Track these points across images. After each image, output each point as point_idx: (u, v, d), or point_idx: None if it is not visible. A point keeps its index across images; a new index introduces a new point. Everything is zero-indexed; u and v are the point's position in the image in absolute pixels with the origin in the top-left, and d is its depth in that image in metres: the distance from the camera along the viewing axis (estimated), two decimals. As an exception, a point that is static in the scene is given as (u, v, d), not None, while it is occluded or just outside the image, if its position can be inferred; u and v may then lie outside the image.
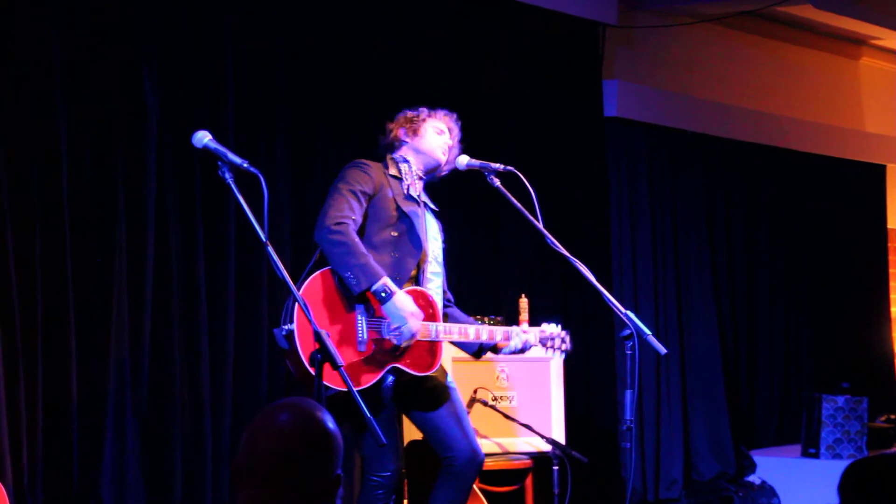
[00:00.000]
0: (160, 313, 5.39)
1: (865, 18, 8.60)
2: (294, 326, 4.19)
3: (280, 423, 2.39)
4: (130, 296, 5.28)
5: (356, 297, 4.44)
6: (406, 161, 4.74)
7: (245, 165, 3.76)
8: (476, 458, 4.61)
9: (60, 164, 5.07)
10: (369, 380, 4.45)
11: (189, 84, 5.55)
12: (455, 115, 4.86)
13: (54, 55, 5.08)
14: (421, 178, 4.75)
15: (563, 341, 4.83)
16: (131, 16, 5.35)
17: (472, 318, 4.85)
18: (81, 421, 5.11)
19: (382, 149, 4.82)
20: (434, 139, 4.76)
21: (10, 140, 4.95)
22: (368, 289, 4.39)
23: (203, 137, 3.89)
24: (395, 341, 4.45)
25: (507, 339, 4.70)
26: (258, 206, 3.69)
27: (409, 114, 4.82)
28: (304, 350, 4.23)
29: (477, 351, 4.77)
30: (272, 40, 5.89)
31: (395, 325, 4.43)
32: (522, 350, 4.76)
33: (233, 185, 3.77)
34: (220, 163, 3.81)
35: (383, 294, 4.39)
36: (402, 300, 4.44)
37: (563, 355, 4.88)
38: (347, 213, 4.49)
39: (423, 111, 4.81)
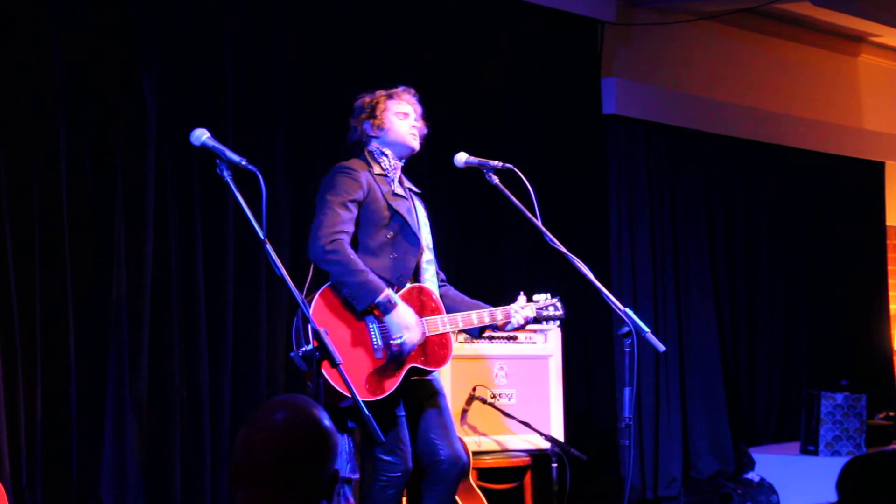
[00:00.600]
0: (159, 312, 5.39)
1: (864, 15, 8.60)
2: (312, 347, 4.19)
3: (276, 422, 2.39)
4: (129, 295, 5.28)
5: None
6: (384, 154, 4.74)
7: (243, 163, 3.76)
8: (458, 463, 4.65)
9: (60, 164, 5.07)
10: (392, 384, 4.53)
11: (189, 84, 5.55)
12: (413, 91, 4.84)
13: (54, 55, 5.08)
14: (401, 167, 4.77)
15: (556, 308, 4.91)
16: (131, 16, 5.35)
17: (465, 296, 4.90)
18: (80, 421, 5.12)
19: (352, 146, 4.81)
20: (401, 127, 4.74)
21: (10, 140, 4.95)
22: (371, 304, 4.44)
23: (201, 135, 3.88)
24: (394, 350, 4.50)
25: (508, 318, 4.75)
26: (257, 205, 3.68)
27: (367, 99, 4.77)
28: (326, 371, 4.27)
29: (480, 331, 4.85)
30: (272, 40, 5.89)
31: (395, 336, 4.48)
32: (523, 326, 4.84)
33: (231, 183, 3.77)
34: (218, 161, 3.81)
35: (387, 305, 4.46)
36: (403, 313, 4.50)
37: (558, 322, 4.98)
38: (340, 227, 4.51)
39: (380, 95, 4.78)
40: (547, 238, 4.61)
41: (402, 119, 4.75)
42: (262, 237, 3.69)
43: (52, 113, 5.06)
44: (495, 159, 4.84)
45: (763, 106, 8.70)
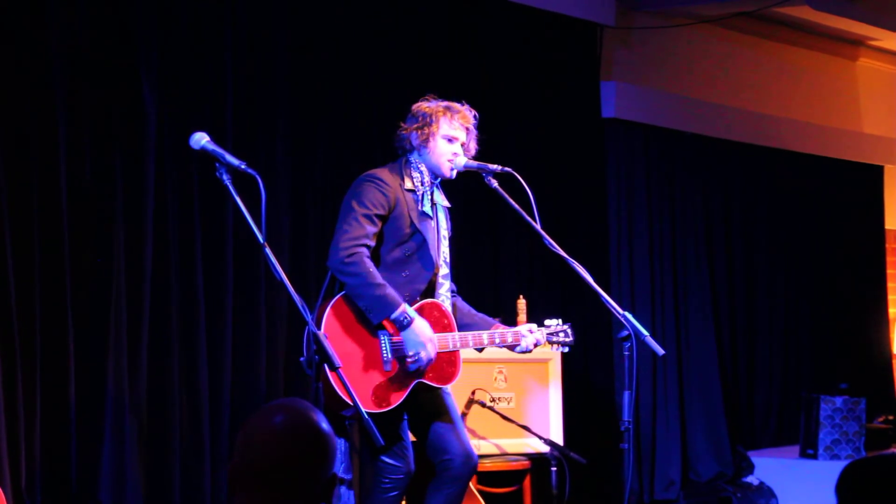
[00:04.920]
0: (158, 315, 5.39)
1: (863, 19, 8.60)
2: (313, 351, 4.19)
3: (275, 425, 2.39)
4: (129, 298, 5.28)
5: None
6: (419, 171, 4.72)
7: (243, 167, 3.76)
8: (470, 461, 4.66)
9: (59, 165, 5.07)
10: (398, 398, 4.56)
11: (188, 85, 5.55)
12: (473, 112, 4.78)
13: (54, 56, 5.08)
14: (432, 185, 4.75)
15: (566, 334, 4.91)
16: (131, 17, 5.35)
17: (473, 309, 4.92)
18: (80, 423, 5.11)
19: (398, 143, 4.78)
20: (443, 152, 4.69)
21: (10, 140, 4.95)
22: (386, 318, 4.47)
23: (201, 139, 3.88)
24: (411, 367, 4.53)
25: (518, 340, 4.76)
26: (256, 208, 3.68)
27: (425, 108, 4.71)
28: (332, 377, 4.28)
29: (482, 347, 4.86)
30: (272, 41, 5.89)
31: (412, 352, 4.51)
32: (532, 350, 4.84)
33: (230, 187, 3.77)
34: (217, 164, 3.81)
35: (403, 321, 4.48)
36: (420, 327, 4.53)
37: (567, 348, 4.97)
38: (362, 239, 4.51)
39: (438, 109, 4.71)
40: (546, 242, 4.61)
41: (448, 143, 4.70)
42: (262, 241, 3.68)
43: (51, 113, 5.06)
44: (494, 163, 4.84)
45: (762, 109, 8.70)
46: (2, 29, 4.94)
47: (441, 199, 4.79)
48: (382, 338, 4.54)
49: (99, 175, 5.23)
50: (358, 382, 4.42)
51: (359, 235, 4.50)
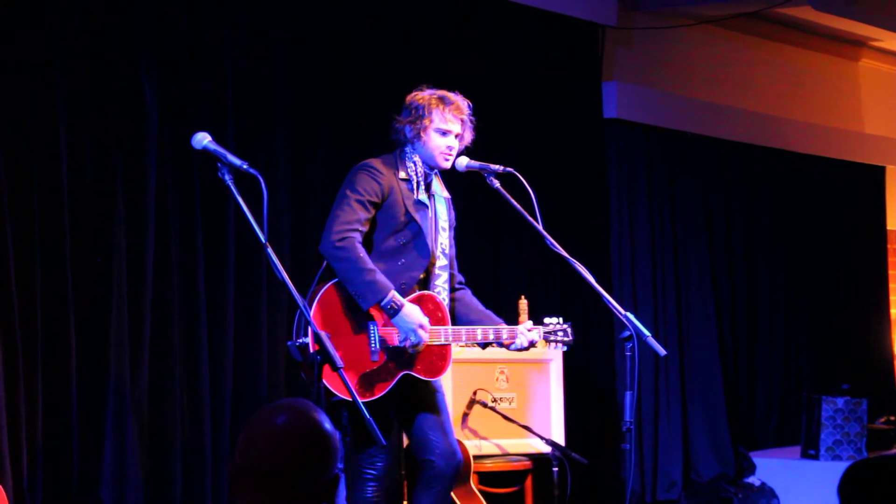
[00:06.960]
0: (160, 314, 5.39)
1: (865, 20, 8.60)
2: (308, 339, 4.18)
3: (277, 425, 2.39)
4: (130, 297, 5.28)
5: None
6: (413, 162, 4.71)
7: (244, 167, 3.77)
8: (453, 458, 4.64)
9: (60, 164, 5.07)
10: (383, 388, 4.53)
11: (189, 85, 5.55)
12: (466, 103, 4.75)
13: (54, 56, 5.08)
14: (428, 175, 4.74)
15: (565, 334, 4.87)
16: (131, 17, 5.35)
17: (480, 304, 4.89)
18: (81, 421, 5.12)
19: (394, 136, 4.77)
20: (437, 144, 4.68)
21: (11, 141, 4.95)
22: (376, 304, 4.45)
23: (203, 139, 3.89)
24: (411, 351, 4.53)
25: (513, 337, 4.74)
26: (258, 208, 3.69)
27: (419, 99, 4.70)
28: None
29: (485, 343, 4.83)
30: (271, 41, 5.89)
31: (402, 337, 4.50)
32: (527, 348, 4.80)
33: (232, 187, 3.77)
34: (219, 164, 3.82)
35: (391, 307, 4.46)
36: (410, 312, 4.50)
37: (566, 347, 4.94)
38: (354, 224, 4.51)
39: (431, 101, 4.69)
40: (548, 242, 4.61)
41: (441, 136, 4.68)
42: (264, 241, 3.69)
43: (52, 113, 5.06)
44: (496, 163, 4.84)
45: (764, 110, 8.70)
46: (2, 29, 4.94)
47: (440, 190, 4.78)
48: (371, 328, 4.52)
49: (99, 175, 5.23)
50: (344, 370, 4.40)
51: (351, 220, 4.51)
